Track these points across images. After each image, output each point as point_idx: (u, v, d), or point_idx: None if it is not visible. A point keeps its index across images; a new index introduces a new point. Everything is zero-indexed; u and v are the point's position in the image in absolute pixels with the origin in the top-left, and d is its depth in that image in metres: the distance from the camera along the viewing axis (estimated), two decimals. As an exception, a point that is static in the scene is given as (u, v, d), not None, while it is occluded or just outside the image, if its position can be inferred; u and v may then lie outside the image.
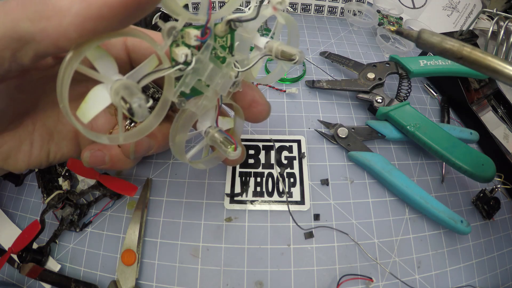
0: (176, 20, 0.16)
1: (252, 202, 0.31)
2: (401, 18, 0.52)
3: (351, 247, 0.29)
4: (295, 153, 0.34)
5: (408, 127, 0.34)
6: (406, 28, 0.25)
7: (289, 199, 0.31)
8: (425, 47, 0.23)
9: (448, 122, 0.39)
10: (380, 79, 0.39)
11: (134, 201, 0.31)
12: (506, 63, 0.20)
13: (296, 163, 0.33)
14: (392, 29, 0.26)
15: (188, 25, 0.17)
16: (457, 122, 0.41)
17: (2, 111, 0.17)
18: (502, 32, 0.38)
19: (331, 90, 0.40)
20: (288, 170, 0.33)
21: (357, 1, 0.51)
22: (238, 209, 0.31)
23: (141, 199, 0.30)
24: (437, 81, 0.44)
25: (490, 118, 0.41)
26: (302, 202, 0.31)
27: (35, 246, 0.28)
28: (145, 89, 0.21)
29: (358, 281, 0.28)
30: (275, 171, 0.33)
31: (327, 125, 0.37)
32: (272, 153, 0.34)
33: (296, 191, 0.32)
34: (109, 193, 0.30)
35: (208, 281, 0.27)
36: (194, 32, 0.16)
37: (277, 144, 0.34)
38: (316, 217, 0.31)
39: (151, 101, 0.14)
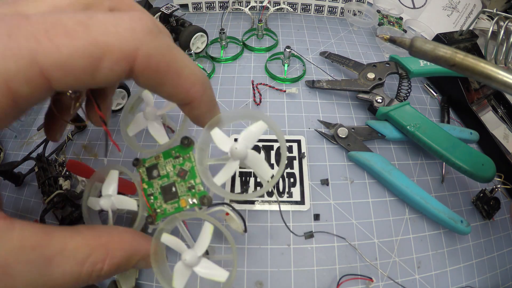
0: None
1: (252, 202, 0.31)
2: (401, 18, 0.52)
3: (351, 247, 0.29)
4: (295, 153, 0.34)
5: (408, 127, 0.34)
6: (399, 36, 0.25)
7: (289, 199, 0.31)
8: (418, 55, 0.23)
9: (448, 122, 0.39)
10: (380, 79, 0.39)
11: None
12: (499, 68, 0.20)
13: (296, 163, 0.33)
14: (386, 38, 0.26)
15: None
16: (457, 122, 0.41)
17: None
18: (502, 32, 0.38)
19: (331, 90, 0.40)
20: (288, 170, 0.33)
21: (357, 1, 0.51)
22: (238, 209, 0.31)
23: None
24: (437, 81, 0.44)
25: (490, 118, 0.41)
26: (302, 202, 0.31)
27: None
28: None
29: (358, 281, 0.28)
30: (275, 171, 0.33)
31: (327, 125, 0.37)
32: (272, 153, 0.34)
33: (296, 191, 0.32)
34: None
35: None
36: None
37: (276, 144, 0.34)
38: (316, 217, 0.31)
39: None
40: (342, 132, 0.36)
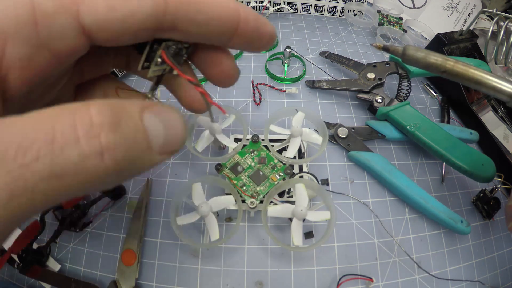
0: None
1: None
2: (401, 18, 0.52)
3: (351, 247, 0.29)
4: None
5: (408, 127, 0.34)
6: (393, 45, 0.26)
7: (289, 199, 0.31)
8: (411, 62, 0.24)
9: (448, 122, 0.39)
10: (380, 79, 0.39)
11: (134, 201, 0.31)
12: (488, 74, 0.21)
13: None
14: (379, 46, 0.27)
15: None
16: (457, 122, 0.41)
17: None
18: (502, 32, 0.38)
19: (331, 90, 0.40)
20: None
21: (357, 1, 0.51)
22: (238, 209, 0.31)
23: (141, 199, 0.31)
24: (437, 81, 0.44)
25: (490, 118, 0.41)
26: (302, 202, 0.31)
27: (35, 246, 0.28)
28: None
29: (358, 281, 0.28)
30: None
31: (327, 125, 0.37)
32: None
33: (296, 191, 0.32)
34: (109, 193, 0.30)
35: (208, 281, 0.27)
36: None
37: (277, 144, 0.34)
38: (316, 217, 0.31)
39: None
40: (342, 132, 0.36)
